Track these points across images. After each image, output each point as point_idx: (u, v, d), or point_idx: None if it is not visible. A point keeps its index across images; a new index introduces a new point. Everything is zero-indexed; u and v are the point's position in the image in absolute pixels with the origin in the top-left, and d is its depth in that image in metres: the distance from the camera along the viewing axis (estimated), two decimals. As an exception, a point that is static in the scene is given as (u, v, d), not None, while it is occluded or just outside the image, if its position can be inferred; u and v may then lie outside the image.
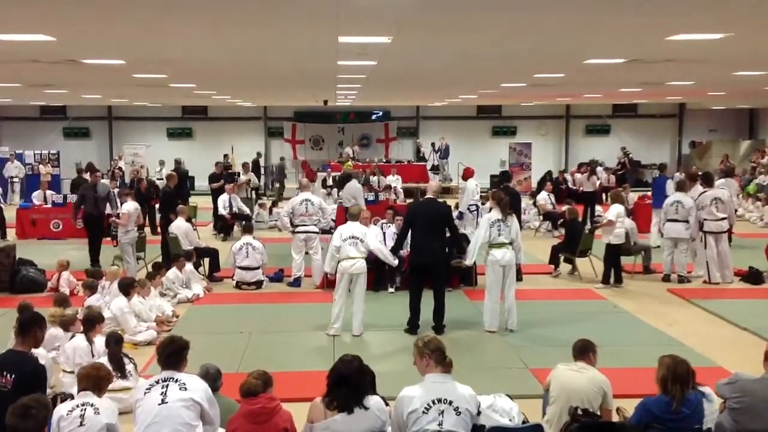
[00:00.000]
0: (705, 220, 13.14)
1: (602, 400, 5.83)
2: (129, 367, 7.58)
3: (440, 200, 11.00)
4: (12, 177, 26.97)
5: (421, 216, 10.28)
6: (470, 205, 15.10)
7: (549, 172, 26.76)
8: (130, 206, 13.39)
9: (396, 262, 10.82)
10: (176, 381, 5.26)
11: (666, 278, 13.41)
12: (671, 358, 5.51)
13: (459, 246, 10.97)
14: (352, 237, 10.07)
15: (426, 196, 10.72)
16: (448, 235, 10.58)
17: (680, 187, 13.77)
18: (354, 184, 16.32)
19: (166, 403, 5.15)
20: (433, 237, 10.14)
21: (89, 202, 14.49)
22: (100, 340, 7.93)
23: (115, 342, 7.53)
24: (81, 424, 5.11)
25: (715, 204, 13.15)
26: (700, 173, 14.77)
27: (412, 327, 10.13)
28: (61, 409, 5.21)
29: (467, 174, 16.43)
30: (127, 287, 9.96)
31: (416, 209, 10.75)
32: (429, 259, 10.13)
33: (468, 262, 10.83)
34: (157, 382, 5.29)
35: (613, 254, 13.03)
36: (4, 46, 9.60)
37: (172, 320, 10.65)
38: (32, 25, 8.14)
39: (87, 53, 11.09)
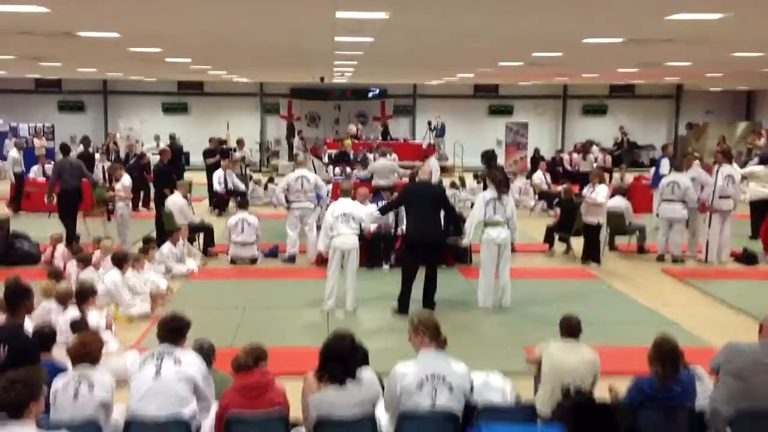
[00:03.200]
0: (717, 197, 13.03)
1: (593, 378, 5.87)
2: (107, 334, 7.58)
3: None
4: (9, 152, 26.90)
5: (417, 196, 10.20)
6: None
7: (536, 150, 26.68)
8: (128, 181, 13.40)
9: (377, 213, 10.74)
10: (171, 355, 5.28)
11: (660, 258, 13.43)
12: (661, 337, 5.53)
13: (457, 226, 10.97)
14: (344, 214, 10.06)
15: (421, 178, 10.70)
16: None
17: (677, 166, 13.75)
18: (386, 162, 16.35)
19: (161, 375, 5.16)
20: (428, 217, 10.02)
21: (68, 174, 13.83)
22: (93, 314, 7.94)
23: (81, 326, 7.50)
24: (75, 398, 5.11)
25: (728, 181, 13.09)
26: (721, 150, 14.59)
27: (404, 308, 9.91)
28: (57, 382, 5.21)
29: (428, 153, 16.98)
30: (120, 261, 9.95)
31: (412, 189, 10.67)
32: (424, 238, 10.01)
33: (465, 241, 10.83)
34: (153, 356, 5.31)
35: (596, 234, 13.07)
36: (-2, 16, 9.52)
37: (166, 295, 10.65)
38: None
39: (82, 25, 10.98)
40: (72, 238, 13.35)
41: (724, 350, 5.53)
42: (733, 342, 5.56)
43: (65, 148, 14.93)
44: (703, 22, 9.37)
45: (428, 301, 10.00)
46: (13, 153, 19.29)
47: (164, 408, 5.07)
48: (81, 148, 20.44)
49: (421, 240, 10.03)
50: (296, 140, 28.34)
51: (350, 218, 10.07)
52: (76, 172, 14.00)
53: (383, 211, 10.83)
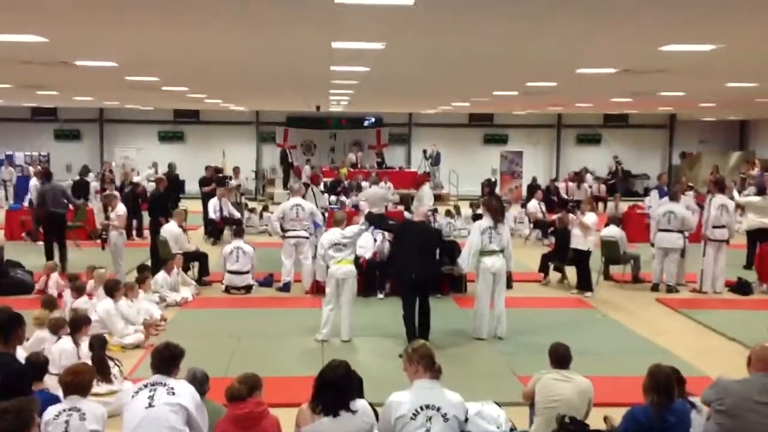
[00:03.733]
0: (711, 227, 13.08)
1: (587, 407, 5.86)
2: (114, 370, 7.54)
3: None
4: (5, 180, 26.98)
5: (412, 234, 10.12)
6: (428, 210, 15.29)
7: (534, 179, 26.74)
8: (122, 210, 13.41)
9: (364, 227, 10.70)
10: (164, 385, 5.24)
11: (655, 287, 13.43)
12: (655, 366, 5.52)
13: (452, 258, 10.95)
14: (336, 244, 10.09)
15: (416, 219, 10.77)
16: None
17: (672, 196, 13.78)
18: (378, 190, 16.45)
19: (154, 407, 5.12)
20: (422, 255, 9.94)
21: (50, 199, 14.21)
22: (86, 343, 7.88)
23: (99, 345, 7.48)
24: (66, 429, 5.06)
25: (721, 210, 13.15)
26: (714, 179, 14.70)
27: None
28: (49, 413, 5.18)
29: (421, 180, 16.95)
30: (111, 289, 9.91)
31: (407, 226, 10.55)
32: (419, 274, 9.89)
33: (463, 270, 10.84)
34: (146, 386, 5.26)
35: (586, 260, 13.13)
36: (-4, 46, 9.57)
37: (160, 324, 10.61)
38: (24, 25, 8.11)
39: (79, 55, 11.06)
40: (63, 263, 13.67)
41: (714, 387, 5.48)
42: (723, 379, 5.51)
43: (47, 174, 15.45)
44: (695, 53, 9.47)
45: (424, 335, 9.87)
46: (34, 182, 19.27)
47: (157, 439, 5.03)
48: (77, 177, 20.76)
49: (416, 277, 9.94)
50: (307, 168, 28.08)
51: (342, 247, 10.10)
52: (59, 197, 14.28)
53: (372, 220, 10.76)
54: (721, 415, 5.31)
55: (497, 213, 10.33)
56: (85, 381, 5.38)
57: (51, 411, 5.21)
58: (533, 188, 23.75)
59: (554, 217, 17.01)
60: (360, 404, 5.24)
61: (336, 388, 5.18)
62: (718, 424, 5.32)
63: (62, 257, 14.03)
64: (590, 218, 13.07)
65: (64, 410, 5.19)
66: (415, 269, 9.87)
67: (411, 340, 9.73)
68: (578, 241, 13.03)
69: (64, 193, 14.66)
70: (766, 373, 5.38)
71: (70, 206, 15.09)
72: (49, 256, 13.85)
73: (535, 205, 19.76)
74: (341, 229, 10.39)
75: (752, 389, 5.29)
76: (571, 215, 13.77)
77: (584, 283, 13.16)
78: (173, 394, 5.19)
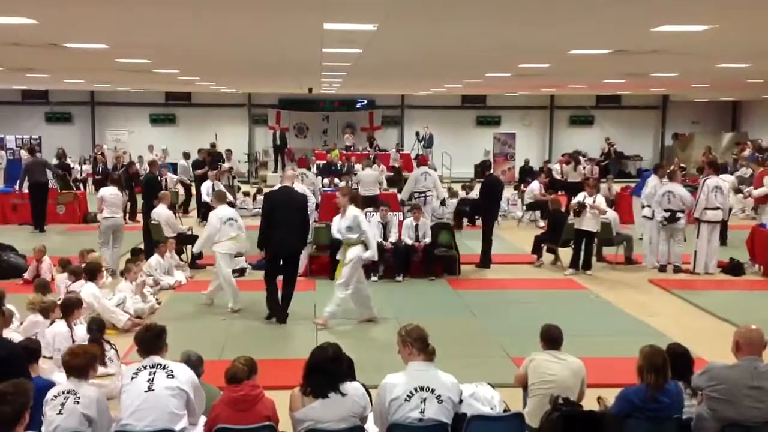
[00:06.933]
0: (705, 209, 13.14)
1: (580, 387, 5.89)
2: (110, 353, 7.54)
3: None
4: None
5: (279, 205, 10.07)
6: (420, 193, 15.27)
7: (526, 161, 26.69)
8: (106, 191, 13.17)
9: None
10: (164, 368, 5.21)
11: (662, 269, 13.45)
12: (650, 347, 5.52)
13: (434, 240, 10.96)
14: (229, 219, 10.54)
15: (282, 185, 10.55)
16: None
17: (671, 177, 13.77)
18: (372, 173, 16.51)
19: (153, 390, 5.09)
20: (290, 226, 9.96)
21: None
22: (80, 327, 7.88)
23: (97, 328, 7.48)
24: (59, 413, 5.03)
25: (715, 192, 13.19)
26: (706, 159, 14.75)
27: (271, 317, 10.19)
28: (50, 393, 5.17)
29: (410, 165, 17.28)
30: (92, 273, 9.84)
31: (273, 198, 10.41)
32: (288, 248, 10.05)
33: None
34: (144, 368, 5.22)
35: (592, 240, 13.29)
36: (-15, 28, 9.49)
37: (154, 308, 10.63)
38: (13, 7, 8.04)
39: (69, 37, 10.97)
40: (41, 223, 16.89)
41: (706, 373, 5.44)
42: (715, 365, 5.49)
43: (32, 150, 19.17)
44: (688, 33, 9.45)
45: (281, 314, 10.09)
46: (183, 162, 21.77)
47: (157, 423, 5.00)
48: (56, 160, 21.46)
49: (283, 250, 10.06)
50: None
51: (233, 221, 10.61)
52: (41, 168, 17.49)
53: (260, 239, 10.35)
54: (714, 402, 5.31)
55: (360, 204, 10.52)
56: (81, 363, 5.27)
57: (52, 391, 5.19)
58: (525, 171, 23.81)
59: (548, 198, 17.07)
60: (351, 386, 5.25)
61: (325, 370, 5.19)
62: (711, 410, 5.32)
63: (41, 218, 16.97)
64: (601, 200, 13.15)
65: (63, 392, 5.14)
66: (285, 236, 9.91)
67: (272, 313, 10.12)
68: (589, 223, 13.05)
69: (45, 164, 18.02)
70: (755, 356, 5.39)
71: (53, 177, 18.51)
72: (36, 221, 16.91)
73: (537, 186, 19.85)
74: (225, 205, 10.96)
75: (745, 375, 5.29)
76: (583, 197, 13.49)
77: (586, 263, 13.30)
78: (172, 377, 5.17)
